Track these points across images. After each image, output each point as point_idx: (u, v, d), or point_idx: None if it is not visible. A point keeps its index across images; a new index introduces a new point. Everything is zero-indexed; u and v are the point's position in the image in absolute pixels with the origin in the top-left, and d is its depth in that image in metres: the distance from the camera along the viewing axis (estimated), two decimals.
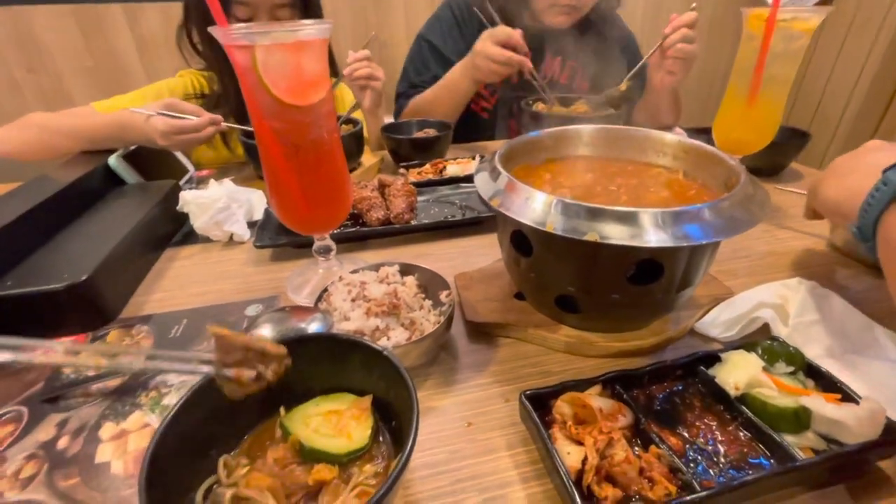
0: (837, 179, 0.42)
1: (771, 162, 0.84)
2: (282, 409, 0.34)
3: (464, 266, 0.56)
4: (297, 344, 0.35)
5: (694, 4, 0.89)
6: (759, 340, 0.38)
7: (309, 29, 0.40)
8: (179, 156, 0.93)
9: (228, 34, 0.39)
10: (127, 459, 0.35)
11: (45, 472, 0.34)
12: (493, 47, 0.89)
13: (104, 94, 0.90)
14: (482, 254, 0.61)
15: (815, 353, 0.40)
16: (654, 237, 0.33)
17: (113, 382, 0.42)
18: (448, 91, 1.03)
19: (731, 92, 0.70)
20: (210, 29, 0.39)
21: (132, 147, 0.80)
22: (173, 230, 0.69)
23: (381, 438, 0.32)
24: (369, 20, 1.60)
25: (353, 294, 0.43)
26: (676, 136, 0.49)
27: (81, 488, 0.33)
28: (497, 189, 0.41)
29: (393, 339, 0.39)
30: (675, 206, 0.41)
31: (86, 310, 0.49)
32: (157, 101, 0.96)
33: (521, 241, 0.42)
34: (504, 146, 0.47)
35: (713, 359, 0.38)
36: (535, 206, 0.37)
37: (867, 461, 0.32)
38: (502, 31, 0.89)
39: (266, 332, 0.41)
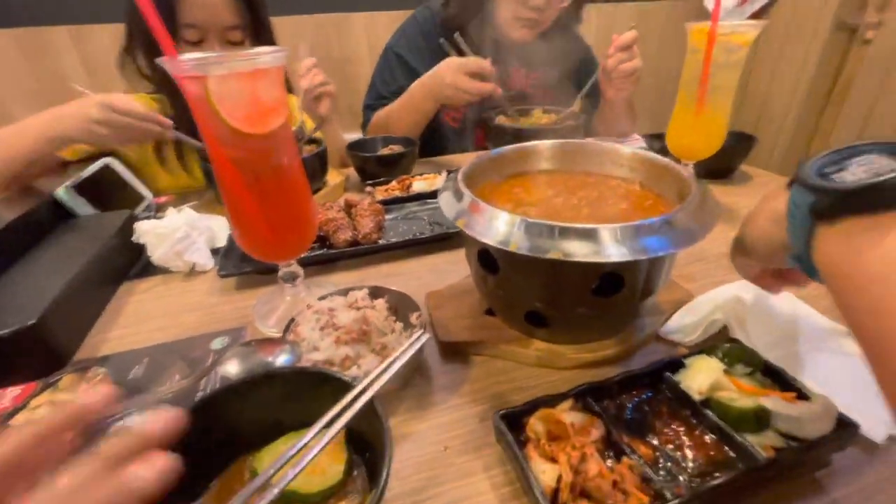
0: (753, 220, 0.35)
1: (721, 165, 0.88)
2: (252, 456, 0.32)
3: (434, 283, 0.56)
4: (264, 380, 0.34)
5: (633, 24, 0.93)
6: (719, 344, 0.40)
7: (265, 57, 0.40)
8: (135, 183, 0.89)
9: (179, 65, 0.38)
10: None
11: None
12: (465, 80, 0.90)
13: None
14: (452, 270, 0.61)
15: (771, 350, 0.42)
16: (614, 252, 0.34)
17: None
18: (410, 110, 1.04)
19: (681, 102, 0.73)
20: (158, 60, 0.38)
21: (84, 177, 0.76)
22: (130, 263, 0.66)
23: (355, 472, 0.32)
24: (330, 38, 1.60)
25: (322, 323, 0.42)
26: (631, 149, 0.50)
27: None
28: (461, 209, 0.41)
29: (364, 367, 0.38)
30: (633, 218, 0.42)
31: (36, 355, 0.46)
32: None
33: (488, 259, 0.42)
34: (467, 165, 0.47)
35: (678, 365, 0.39)
36: (498, 226, 0.37)
37: (825, 454, 0.34)
38: (474, 62, 0.90)
39: (233, 368, 0.40)
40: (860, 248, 0.23)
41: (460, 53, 0.96)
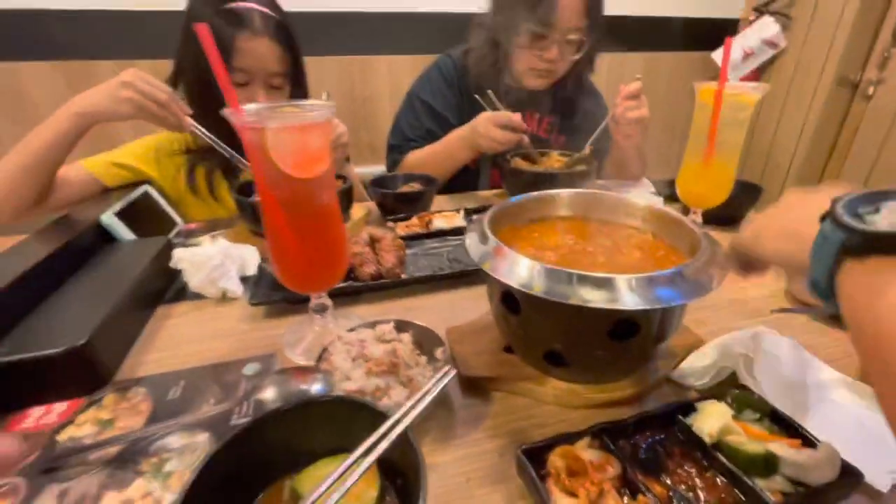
0: (779, 225, 0.38)
1: (729, 213, 0.92)
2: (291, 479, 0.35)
3: (454, 318, 0.59)
4: (305, 407, 0.37)
5: (638, 76, 0.99)
6: (729, 390, 0.42)
7: (316, 112, 0.44)
8: (168, 209, 0.94)
9: (241, 117, 0.42)
10: None
11: None
12: (497, 131, 0.99)
13: (89, 146, 0.90)
14: (470, 306, 0.64)
15: (778, 398, 0.44)
16: (629, 300, 0.37)
17: (112, 449, 0.42)
18: (446, 157, 1.12)
19: (690, 152, 0.78)
20: (223, 111, 0.43)
21: (124, 204, 0.81)
22: (165, 287, 0.70)
23: (387, 498, 0.34)
24: (354, 78, 1.69)
25: (354, 353, 0.45)
26: (644, 201, 0.54)
27: None
28: (486, 252, 0.45)
29: (394, 398, 0.41)
30: (646, 267, 0.45)
31: (82, 374, 0.49)
32: (144, 147, 0.98)
33: (510, 299, 0.45)
34: (491, 210, 0.51)
35: (689, 408, 0.41)
36: (520, 271, 0.41)
37: (830, 501, 0.35)
38: (504, 115, 0.99)
39: (270, 394, 0.43)
40: (883, 285, 0.26)
41: (494, 107, 1.05)
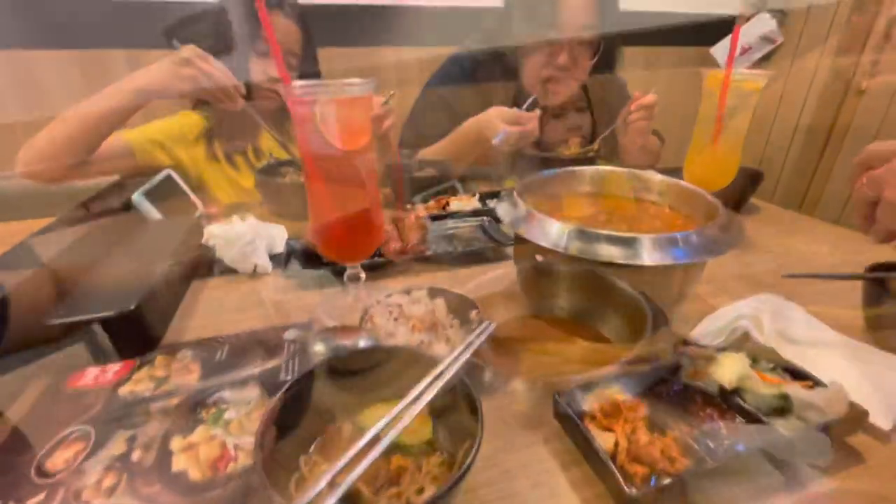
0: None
1: (733, 198, 0.96)
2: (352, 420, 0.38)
3: (478, 291, 0.62)
4: (360, 355, 0.40)
5: (654, 89, 1.01)
6: (745, 345, 0.46)
7: (359, 87, 0.47)
8: (189, 193, 0.97)
9: (293, 91, 0.45)
10: (203, 467, 0.38)
11: (126, 480, 0.36)
12: (508, 118, 0.95)
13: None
14: (493, 281, 0.67)
15: (785, 353, 0.48)
16: (652, 257, 0.40)
17: (173, 401, 0.44)
18: (457, 151, 1.07)
19: (697, 138, 0.82)
20: (278, 87, 0.46)
21: (150, 185, 0.83)
22: (197, 263, 0.72)
23: (439, 436, 0.37)
24: (361, 70, 1.71)
25: (395, 314, 0.48)
26: (661, 176, 0.58)
27: (164, 493, 0.35)
28: (518, 217, 0.48)
29: (436, 353, 0.44)
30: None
31: (134, 336, 0.52)
32: (177, 127, 1.03)
33: (538, 263, 0.49)
34: (520, 183, 0.54)
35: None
36: (551, 233, 0.44)
37: (837, 436, 0.39)
38: (513, 111, 0.96)
39: (321, 348, 0.46)
40: None
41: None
